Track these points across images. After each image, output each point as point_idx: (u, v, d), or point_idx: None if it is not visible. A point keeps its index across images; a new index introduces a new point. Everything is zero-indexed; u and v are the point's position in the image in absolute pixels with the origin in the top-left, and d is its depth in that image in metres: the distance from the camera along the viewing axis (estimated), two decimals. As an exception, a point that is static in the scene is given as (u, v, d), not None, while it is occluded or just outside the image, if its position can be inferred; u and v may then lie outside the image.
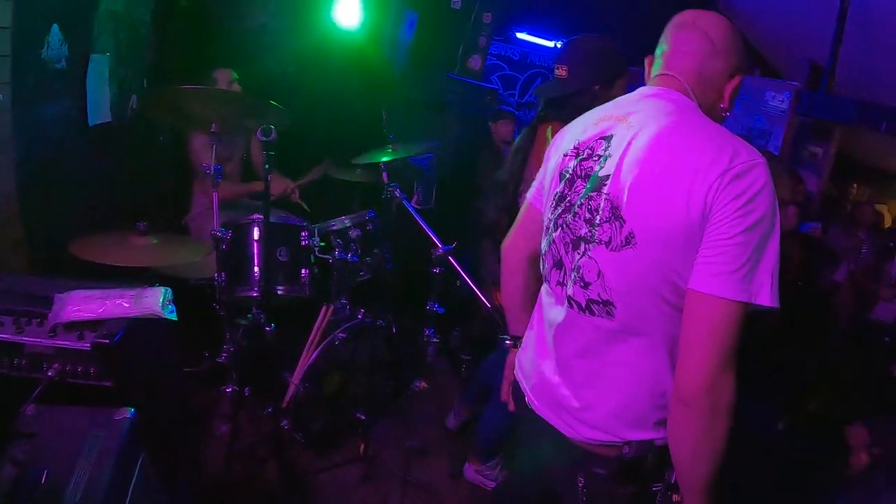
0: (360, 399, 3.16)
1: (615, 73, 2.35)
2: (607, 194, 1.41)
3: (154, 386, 2.01)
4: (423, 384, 3.26)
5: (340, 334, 3.06)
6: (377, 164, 3.19)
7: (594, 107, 1.65)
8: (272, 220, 2.88)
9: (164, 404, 2.11)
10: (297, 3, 4.65)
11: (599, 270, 1.43)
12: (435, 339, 3.16)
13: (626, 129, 1.45)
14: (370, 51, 4.75)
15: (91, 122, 3.16)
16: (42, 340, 1.77)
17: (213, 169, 2.57)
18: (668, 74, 1.51)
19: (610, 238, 1.40)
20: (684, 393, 1.32)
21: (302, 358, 2.95)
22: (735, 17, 7.91)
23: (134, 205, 3.48)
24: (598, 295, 1.44)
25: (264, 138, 2.39)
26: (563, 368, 1.56)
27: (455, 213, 3.85)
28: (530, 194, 1.77)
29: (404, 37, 4.98)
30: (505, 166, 2.62)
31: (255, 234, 2.86)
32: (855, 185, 9.24)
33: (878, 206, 9.31)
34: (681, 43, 1.52)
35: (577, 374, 1.53)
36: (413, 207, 2.96)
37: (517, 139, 2.63)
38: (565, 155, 1.58)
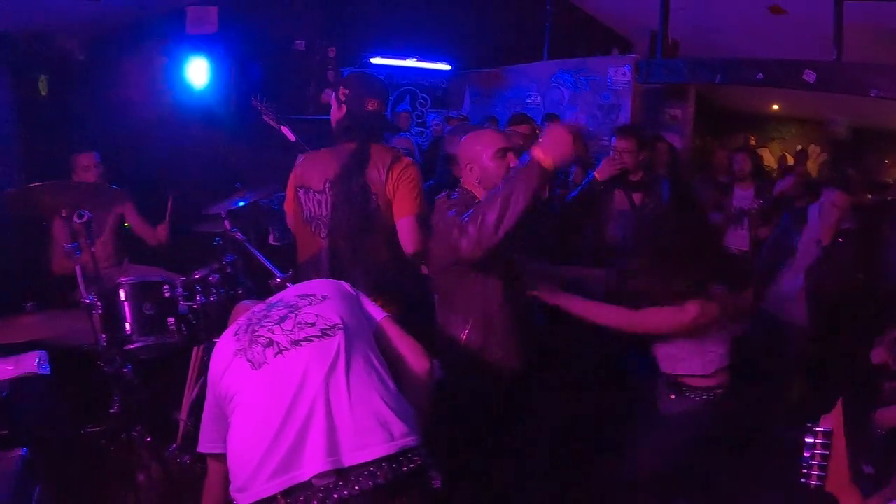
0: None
1: None
2: None
3: (42, 428, 2.67)
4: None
5: (215, 368, 3.66)
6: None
7: None
8: (135, 280, 3.56)
9: (54, 443, 2.77)
10: (151, 73, 5.36)
11: None
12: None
13: None
14: (220, 105, 5.48)
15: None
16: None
17: (70, 246, 3.24)
18: None
19: None
20: None
21: (185, 396, 3.57)
22: (583, 1, 8.84)
23: (24, 288, 3.98)
24: None
25: (78, 221, 3.04)
26: None
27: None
28: None
29: (252, 87, 5.67)
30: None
31: (122, 295, 3.50)
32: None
33: (760, 150, 10.31)
34: None
35: None
36: (251, 245, 3.55)
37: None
38: None
